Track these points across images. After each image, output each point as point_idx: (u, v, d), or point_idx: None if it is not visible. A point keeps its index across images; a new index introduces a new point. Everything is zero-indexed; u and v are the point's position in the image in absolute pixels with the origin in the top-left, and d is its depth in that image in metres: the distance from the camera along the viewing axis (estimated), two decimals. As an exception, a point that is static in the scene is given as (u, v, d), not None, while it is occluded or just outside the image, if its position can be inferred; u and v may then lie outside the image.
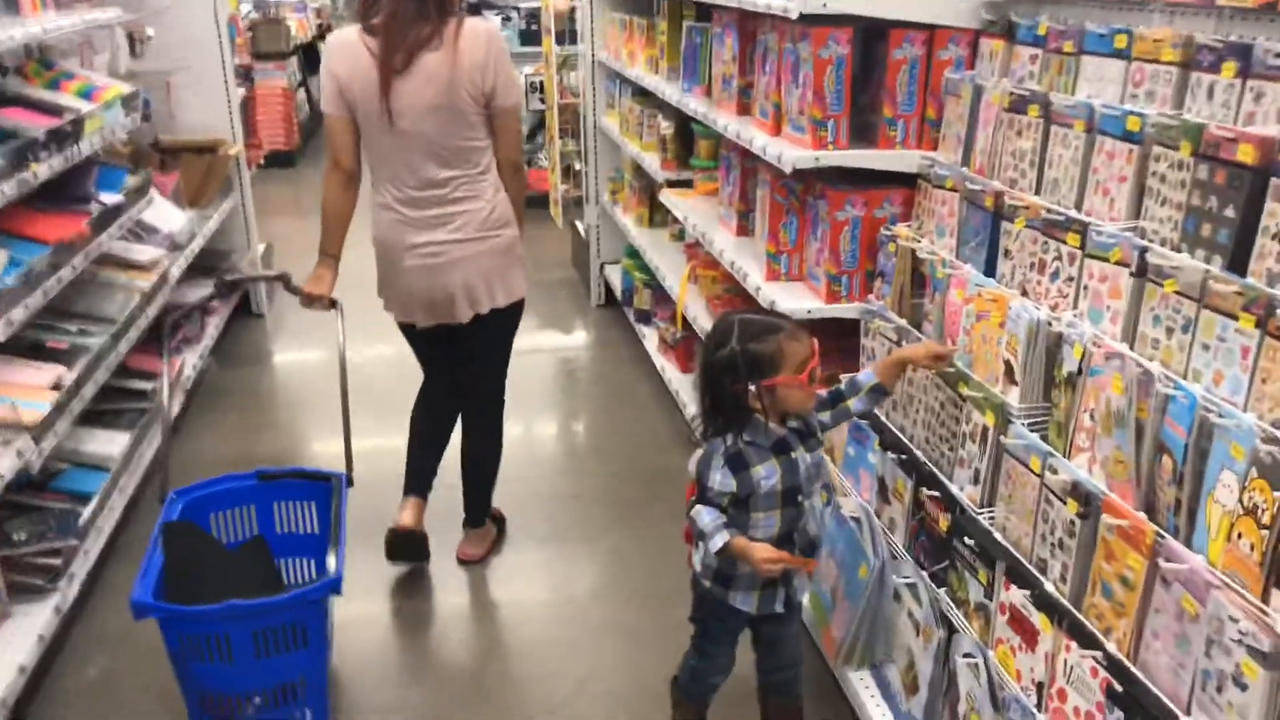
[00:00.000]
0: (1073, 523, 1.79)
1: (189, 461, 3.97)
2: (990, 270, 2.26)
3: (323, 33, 12.61)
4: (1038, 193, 2.18)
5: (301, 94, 10.81)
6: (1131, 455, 1.69)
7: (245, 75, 9.54)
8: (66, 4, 3.95)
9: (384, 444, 3.61)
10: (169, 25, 5.11)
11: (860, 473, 2.55)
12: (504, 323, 3.06)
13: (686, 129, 4.10)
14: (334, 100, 2.77)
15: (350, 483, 2.76)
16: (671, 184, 4.17)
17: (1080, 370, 1.85)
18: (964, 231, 2.38)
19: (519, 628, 3.07)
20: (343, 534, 2.56)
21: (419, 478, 3.24)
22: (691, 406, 3.93)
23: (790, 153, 2.65)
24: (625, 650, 2.94)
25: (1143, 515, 1.64)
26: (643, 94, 4.64)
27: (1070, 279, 2.00)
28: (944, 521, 2.16)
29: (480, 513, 3.32)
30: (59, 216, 3.21)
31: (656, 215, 4.86)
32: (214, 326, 4.92)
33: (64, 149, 3.15)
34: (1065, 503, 1.80)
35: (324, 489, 2.76)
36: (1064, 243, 2.01)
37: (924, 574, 2.21)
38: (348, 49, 2.72)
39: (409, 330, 3.08)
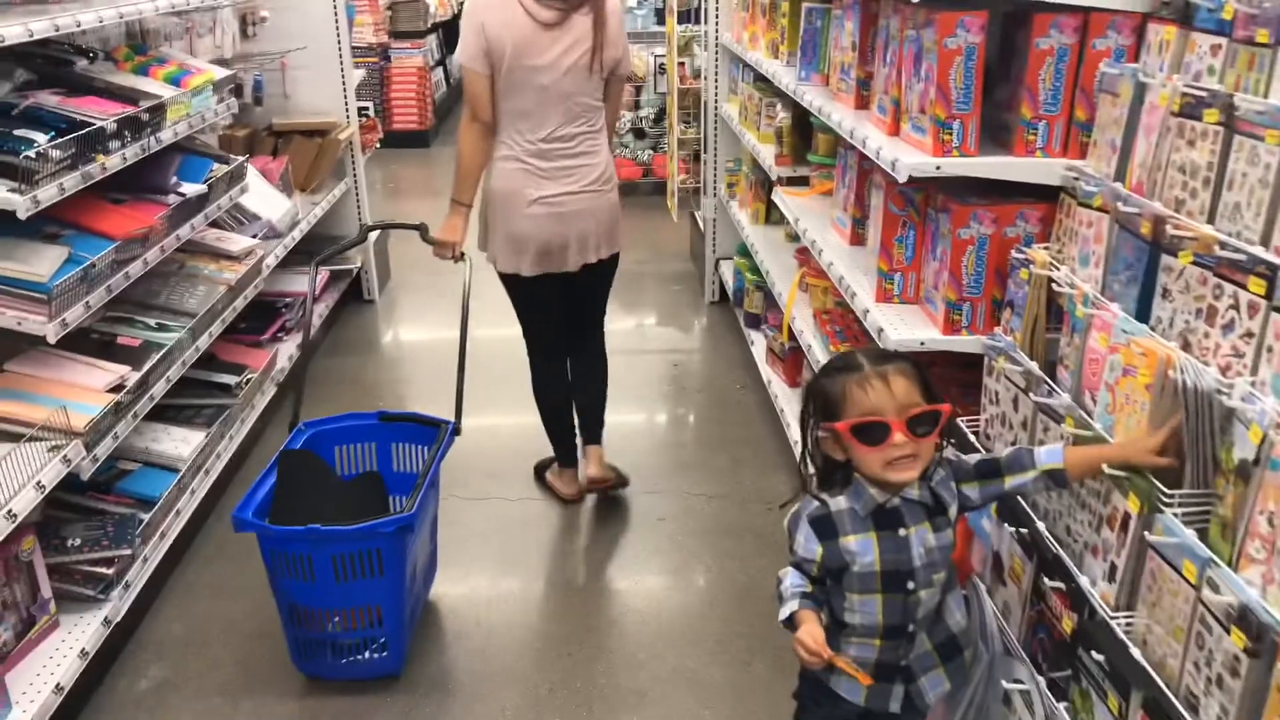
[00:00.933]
0: (1238, 659, 1.38)
1: (270, 450, 3.85)
2: (1144, 314, 1.83)
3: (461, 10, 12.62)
4: (1211, 220, 1.74)
5: (439, 72, 10.80)
6: (1324, 587, 1.27)
7: (382, 54, 9.64)
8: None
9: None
10: (286, 5, 5.03)
11: (974, 541, 2.17)
12: (609, 270, 3.31)
13: (805, 121, 3.72)
14: (478, 53, 2.90)
15: (458, 431, 2.97)
16: (786, 181, 3.80)
17: (1258, 460, 1.43)
18: (1113, 262, 1.95)
19: (580, 660, 2.80)
20: (433, 475, 2.77)
21: (567, 445, 3.53)
22: (795, 426, 3.59)
23: (907, 158, 2.26)
24: (693, 705, 2.64)
25: (1337, 670, 1.23)
26: (763, 81, 4.27)
27: (1249, 335, 1.57)
28: (1068, 621, 1.76)
29: (600, 430, 3.52)
30: (133, 208, 3.10)
31: (772, 213, 4.48)
32: (318, 316, 4.82)
33: (140, 138, 3.03)
34: (1229, 631, 1.40)
35: (437, 435, 2.92)
36: (1244, 288, 1.58)
37: (1041, 681, 1.82)
38: (498, 4, 2.87)
39: (513, 280, 3.19)
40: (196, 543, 3.35)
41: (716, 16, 5.00)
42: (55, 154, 2.55)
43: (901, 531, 1.71)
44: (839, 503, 1.74)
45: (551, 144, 3.02)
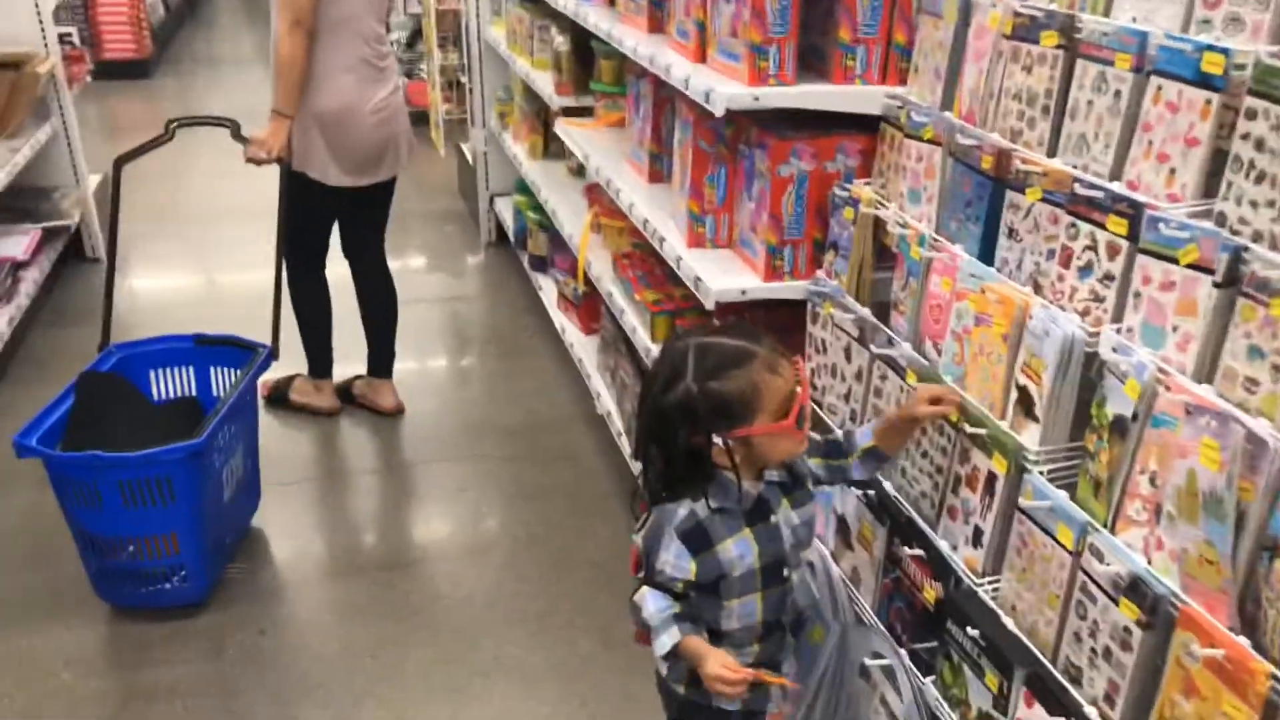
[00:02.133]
0: (1128, 630, 1.29)
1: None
2: (987, 255, 1.72)
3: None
4: (1052, 154, 1.63)
5: (154, -7, 9.61)
6: (1228, 555, 1.18)
7: (85, -29, 8.43)
8: None
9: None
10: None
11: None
12: (394, 181, 3.36)
13: (586, 46, 3.43)
14: None
15: (275, 355, 2.93)
16: (568, 111, 3.52)
17: (1137, 416, 1.33)
18: (949, 199, 1.82)
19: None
20: (245, 400, 2.77)
21: (328, 356, 3.54)
22: (596, 376, 3.38)
23: (722, 89, 2.04)
24: (520, 696, 2.41)
25: (1245, 643, 1.15)
26: (532, 1, 3.94)
27: (1108, 278, 1.47)
28: (931, 591, 1.65)
29: (390, 362, 3.58)
30: None
31: (551, 145, 4.19)
32: (31, 281, 4.11)
33: None
34: (1117, 603, 1.30)
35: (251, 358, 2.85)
36: (1102, 227, 1.47)
37: (903, 654, 1.71)
38: None
39: (337, 195, 3.16)
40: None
41: (474, -71, 4.59)
42: None
43: (772, 519, 1.53)
44: (702, 508, 1.50)
45: (375, 48, 3.09)
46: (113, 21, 8.47)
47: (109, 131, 7.18)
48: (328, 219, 3.32)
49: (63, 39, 4.74)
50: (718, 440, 1.45)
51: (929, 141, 1.86)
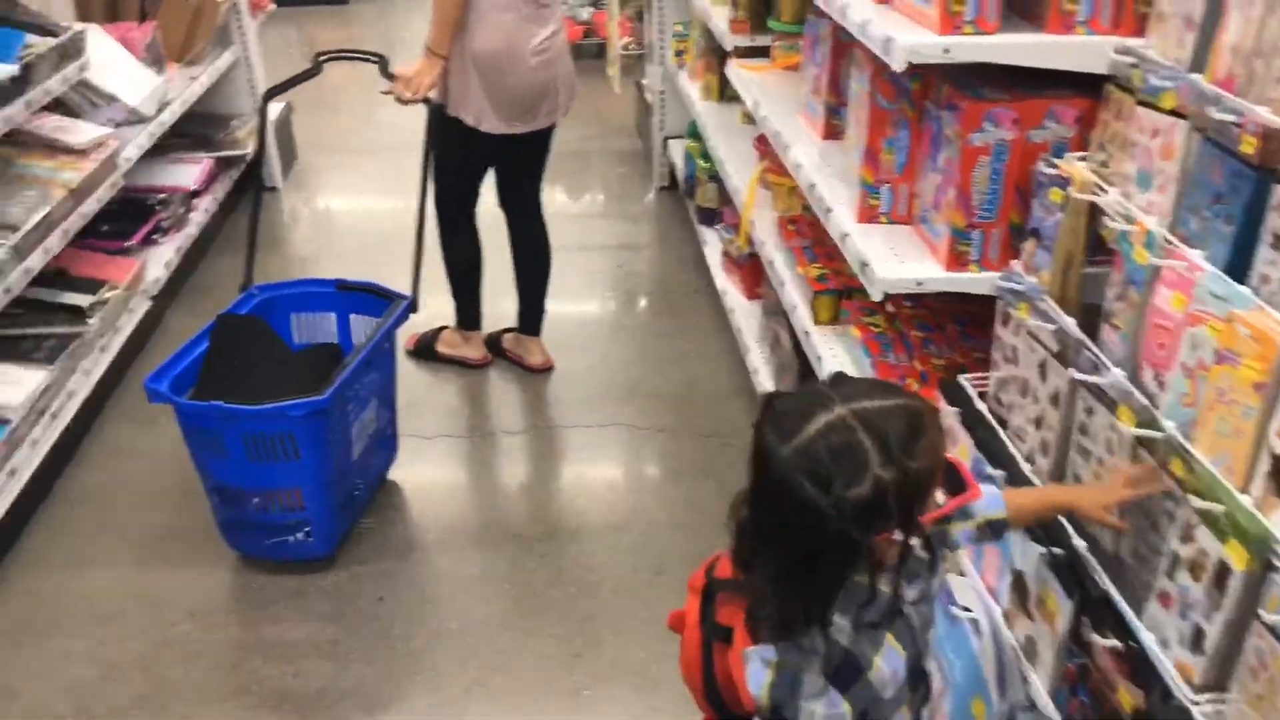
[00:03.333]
0: None
1: (143, 380, 3.30)
2: (1240, 268, 1.32)
3: None
4: (1351, 137, 1.21)
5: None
6: None
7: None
8: None
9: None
10: None
11: (986, 550, 1.69)
12: (553, 128, 3.13)
13: (766, -23, 3.08)
14: None
15: (414, 308, 2.79)
16: (743, 52, 3.18)
17: None
18: (1192, 189, 1.42)
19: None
20: (380, 351, 2.65)
21: (477, 307, 3.40)
22: (755, 350, 3.08)
23: (905, 37, 1.68)
24: (636, 704, 2.20)
25: None
26: (717, -74, 3.59)
27: None
28: (1128, 698, 1.30)
29: (540, 318, 3.40)
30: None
31: (727, 88, 3.85)
32: (203, 210, 4.15)
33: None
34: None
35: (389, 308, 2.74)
36: None
37: (1082, 761, 1.38)
38: None
39: (492, 141, 2.96)
40: (52, 497, 2.82)
41: None
42: None
43: (905, 610, 1.22)
44: (843, 629, 1.18)
45: None
46: (314, -54, 8.57)
47: (301, 58, 7.29)
48: (481, 166, 3.14)
49: (256, -36, 4.75)
50: (899, 536, 1.14)
51: (1170, 112, 1.45)
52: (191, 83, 4.14)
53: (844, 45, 2.35)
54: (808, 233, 2.60)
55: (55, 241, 2.90)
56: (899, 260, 1.88)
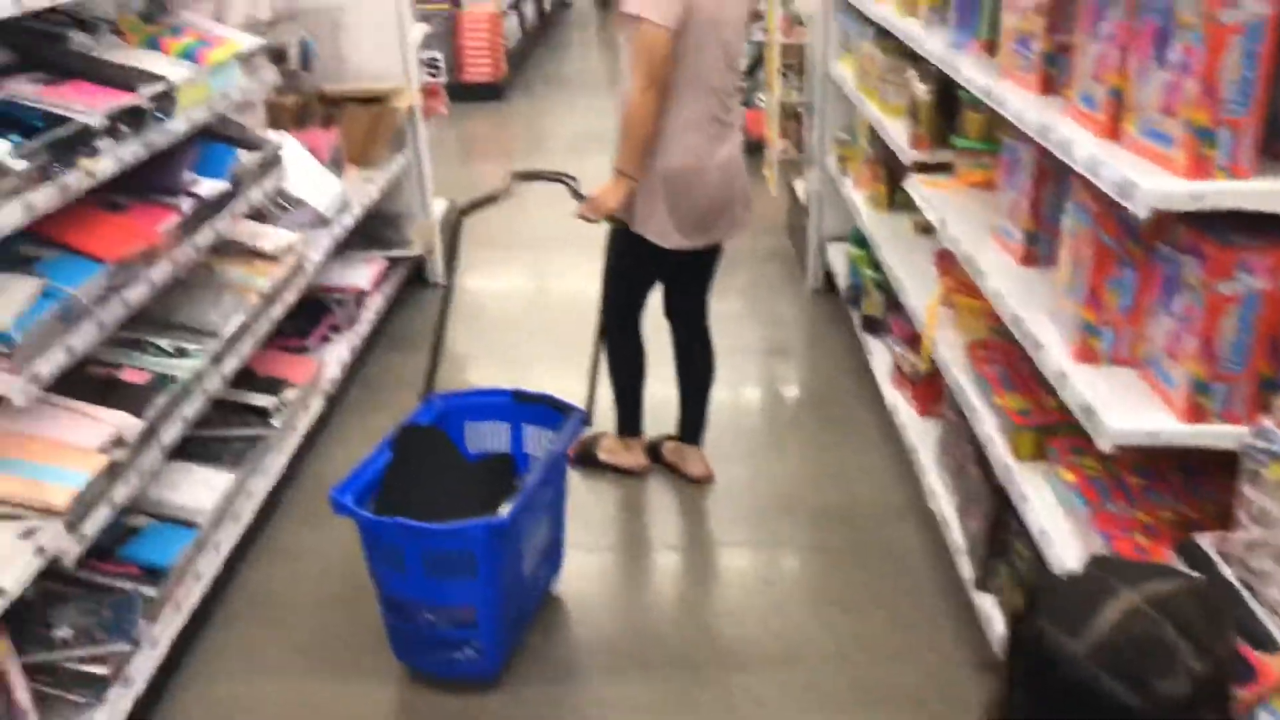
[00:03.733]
0: None
1: (314, 479, 3.38)
2: None
3: (538, -49, 11.88)
4: None
5: (512, 19, 10.14)
6: None
7: (454, 0, 9.02)
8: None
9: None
10: (335, -46, 4.44)
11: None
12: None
13: (950, 95, 3.02)
14: (675, 11, 2.68)
15: (588, 421, 2.82)
16: (923, 167, 3.12)
17: None
18: None
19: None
20: (555, 466, 2.63)
21: (638, 413, 3.38)
22: (933, 471, 2.96)
23: (1147, 183, 1.59)
24: None
25: None
26: (889, 38, 3.56)
27: None
28: None
29: (702, 428, 3.37)
30: (135, 216, 2.58)
31: (897, 196, 3.80)
32: (373, 309, 4.30)
33: (144, 132, 2.49)
34: None
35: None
36: None
37: None
38: None
39: (668, 255, 2.98)
40: (225, 601, 2.88)
41: (828, -41, 4.28)
42: (18, 165, 2.02)
43: None
44: None
45: (725, 102, 2.90)
46: (474, 46, 8.98)
47: (461, 154, 7.59)
48: (653, 278, 3.16)
49: (431, 64, 4.97)
50: None
51: None
52: (369, 186, 4.33)
53: (1047, 171, 2.27)
54: (1000, 359, 2.49)
55: (248, 346, 3.02)
56: (1128, 408, 1.76)
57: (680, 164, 2.86)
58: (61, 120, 2.24)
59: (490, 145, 7.96)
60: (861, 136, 4.06)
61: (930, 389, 3.14)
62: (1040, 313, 2.13)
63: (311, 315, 3.85)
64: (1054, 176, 2.26)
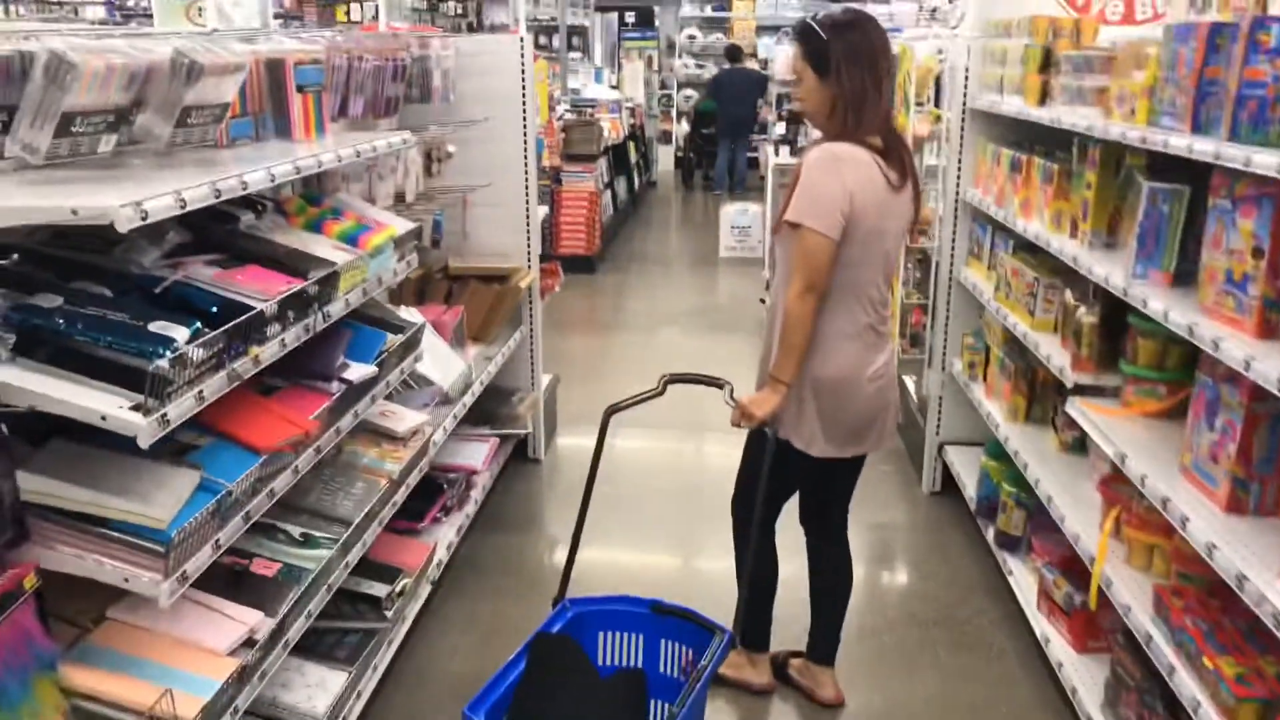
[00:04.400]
0: None
1: (416, 676, 3.19)
2: None
3: (634, 133, 12.36)
4: None
5: (607, 196, 10.45)
6: None
7: (554, 177, 9.33)
8: (359, 119, 3.40)
9: None
10: (473, 138, 4.57)
11: None
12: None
13: (1115, 316, 2.91)
14: (837, 220, 2.63)
15: (735, 644, 2.73)
16: (1083, 389, 2.99)
17: None
18: None
19: None
20: (696, 699, 2.38)
21: (767, 628, 3.20)
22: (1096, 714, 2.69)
23: None
24: None
25: None
26: (1034, 251, 3.50)
27: None
28: None
29: (835, 647, 3.18)
30: (287, 402, 2.53)
31: (1036, 408, 3.66)
32: (481, 488, 4.20)
33: (306, 316, 2.47)
34: None
35: (708, 641, 2.57)
36: None
37: None
38: (861, 165, 2.65)
39: (812, 463, 2.87)
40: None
41: (959, 166, 4.28)
42: (198, 355, 1.98)
43: None
44: None
45: (879, 312, 2.82)
46: (571, 221, 9.22)
47: (556, 325, 7.64)
48: (793, 486, 3.03)
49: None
50: None
51: None
52: (487, 363, 4.30)
53: (1259, 416, 2.12)
54: (1201, 610, 2.27)
55: (372, 534, 2.91)
56: None
57: (835, 373, 2.77)
58: (235, 305, 2.22)
59: (583, 317, 8.03)
60: (995, 344, 3.95)
61: (1090, 623, 2.91)
62: (1272, 575, 1.93)
63: (426, 495, 3.75)
64: (1268, 421, 2.11)
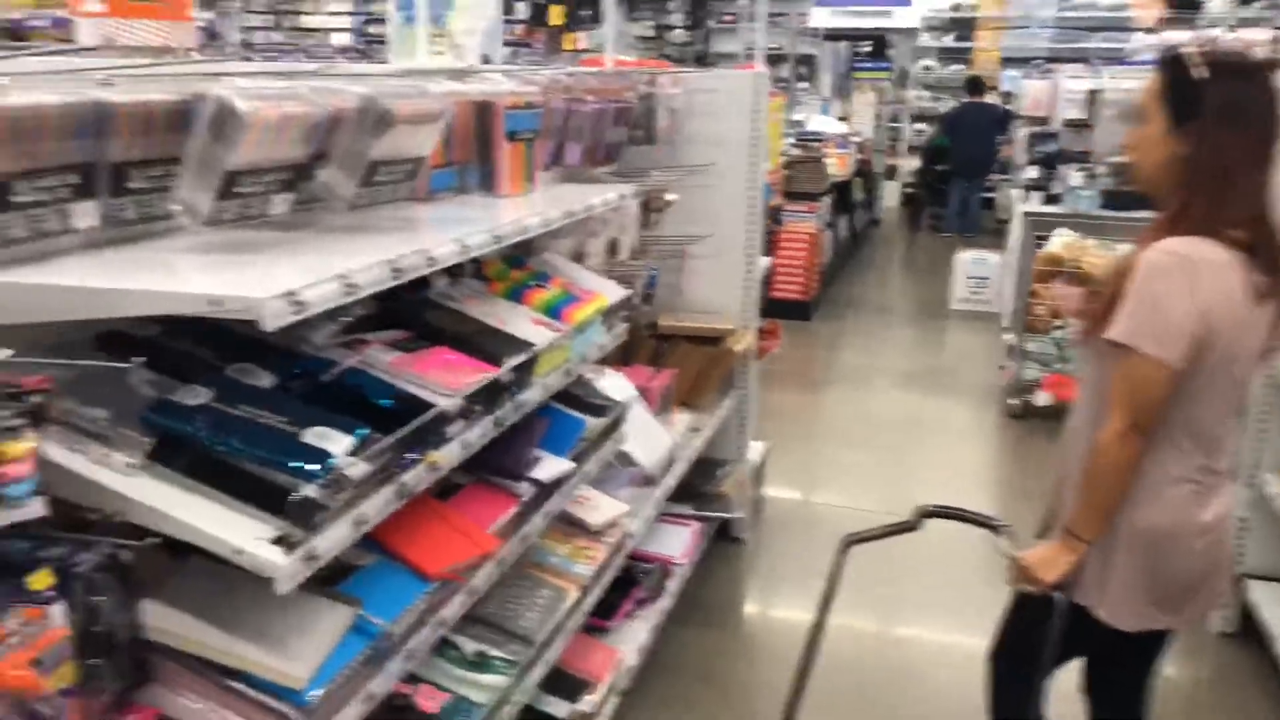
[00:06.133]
0: None
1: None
2: None
3: (862, 170, 11.68)
4: None
5: (827, 236, 9.85)
6: None
7: (774, 217, 8.84)
8: (574, 167, 3.03)
9: None
10: (694, 184, 4.15)
11: None
12: None
13: None
14: (1183, 346, 1.99)
15: None
16: None
17: None
18: None
19: None
20: None
21: None
22: None
23: None
24: None
25: None
26: None
27: None
28: None
29: None
30: (465, 507, 2.15)
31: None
32: (680, 577, 3.74)
33: (495, 409, 2.08)
34: None
35: None
36: None
37: None
38: (1220, 272, 1.99)
39: (1111, 632, 2.20)
40: None
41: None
42: (357, 471, 1.61)
43: None
44: None
45: (1218, 453, 2.16)
46: (789, 264, 8.69)
47: (762, 378, 7.12)
48: (1079, 653, 2.39)
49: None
50: None
51: None
52: (694, 435, 3.85)
53: None
54: None
55: (558, 649, 2.50)
56: None
57: (1155, 525, 2.12)
58: (413, 401, 1.85)
59: (793, 369, 7.45)
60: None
61: None
62: None
63: (617, 587, 3.32)
64: None
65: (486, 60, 4.67)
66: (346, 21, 14.20)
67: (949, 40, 14.96)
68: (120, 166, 1.62)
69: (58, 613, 1.29)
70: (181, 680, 1.59)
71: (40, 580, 1.27)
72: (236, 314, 1.38)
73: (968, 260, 9.10)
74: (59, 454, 1.45)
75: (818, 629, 2.28)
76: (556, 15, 14.84)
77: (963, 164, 12.14)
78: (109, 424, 1.52)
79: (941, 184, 12.77)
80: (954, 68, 14.71)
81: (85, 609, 1.35)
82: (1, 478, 1.16)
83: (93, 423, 1.53)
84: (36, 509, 1.21)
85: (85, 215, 1.60)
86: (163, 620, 1.56)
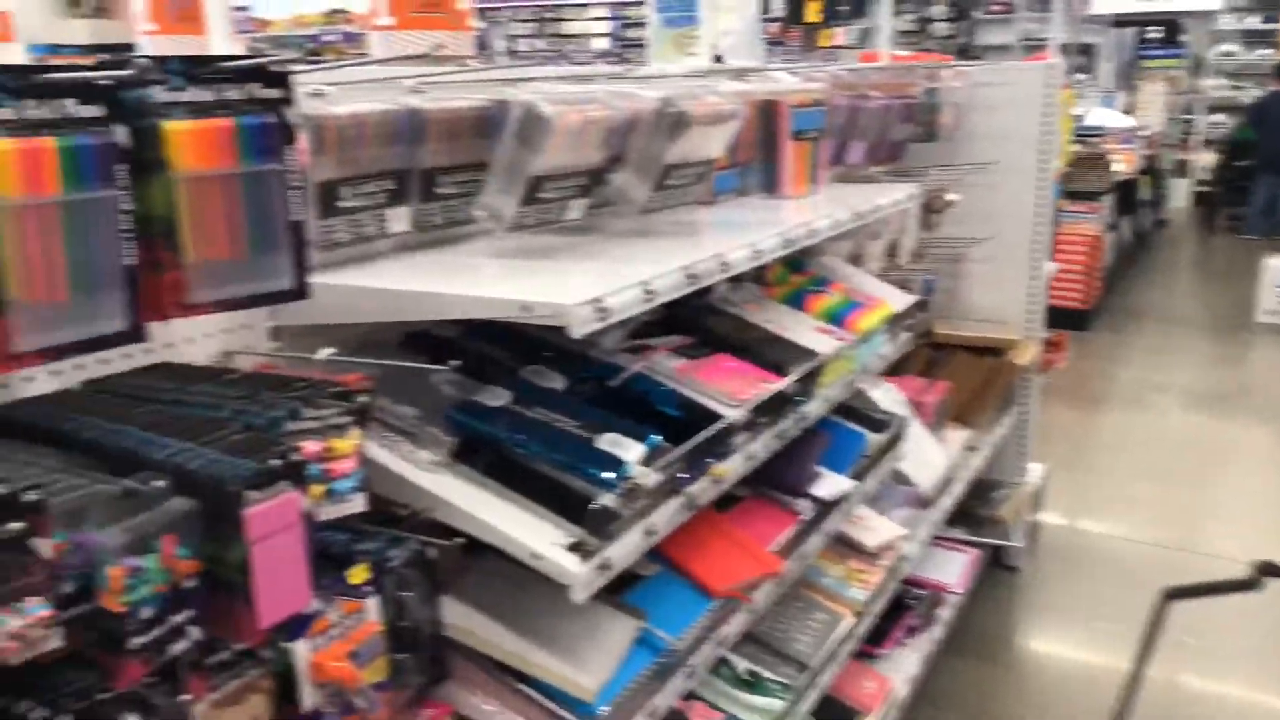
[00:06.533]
0: None
1: None
2: None
3: (1150, 166, 10.73)
4: None
5: (1109, 239, 9.10)
6: None
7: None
8: (857, 166, 2.90)
9: None
10: (976, 183, 3.89)
11: None
12: None
13: None
14: None
15: None
16: None
17: None
18: None
19: None
20: None
21: None
22: None
23: None
24: None
25: None
26: None
27: None
28: None
29: None
30: (751, 519, 2.07)
31: None
32: (950, 604, 3.51)
33: (779, 422, 1.99)
34: None
35: None
36: None
37: None
38: None
39: None
40: None
41: None
42: (651, 480, 1.57)
43: None
44: None
45: None
46: (1067, 269, 8.08)
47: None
48: None
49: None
50: None
51: None
52: (971, 456, 3.60)
53: None
54: None
55: (830, 675, 2.38)
56: None
57: None
58: (699, 410, 1.79)
59: (1070, 383, 6.89)
60: None
61: None
62: None
63: (886, 613, 3.15)
64: None
65: (718, 60, 4.59)
66: (605, 27, 14.60)
67: (1254, 22, 13.47)
68: (430, 172, 1.67)
69: (373, 606, 1.32)
70: (476, 680, 1.60)
71: (359, 574, 1.31)
72: (546, 319, 1.36)
73: (1277, 266, 8.13)
74: (374, 450, 1.49)
75: (1134, 683, 2.04)
76: (813, 12, 14.61)
77: (1271, 158, 10.88)
78: (418, 422, 1.56)
79: (1244, 181, 11.52)
80: (1260, 52, 13.23)
81: (395, 604, 1.38)
82: (330, 473, 1.19)
83: (402, 420, 1.57)
84: (359, 504, 1.24)
85: (399, 220, 1.65)
86: (463, 619, 1.58)
